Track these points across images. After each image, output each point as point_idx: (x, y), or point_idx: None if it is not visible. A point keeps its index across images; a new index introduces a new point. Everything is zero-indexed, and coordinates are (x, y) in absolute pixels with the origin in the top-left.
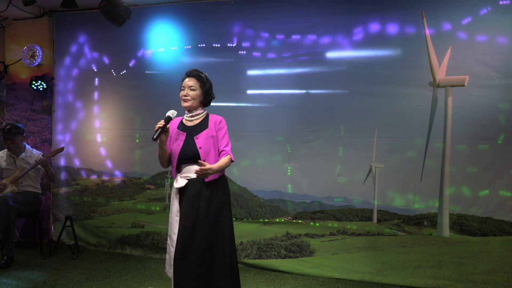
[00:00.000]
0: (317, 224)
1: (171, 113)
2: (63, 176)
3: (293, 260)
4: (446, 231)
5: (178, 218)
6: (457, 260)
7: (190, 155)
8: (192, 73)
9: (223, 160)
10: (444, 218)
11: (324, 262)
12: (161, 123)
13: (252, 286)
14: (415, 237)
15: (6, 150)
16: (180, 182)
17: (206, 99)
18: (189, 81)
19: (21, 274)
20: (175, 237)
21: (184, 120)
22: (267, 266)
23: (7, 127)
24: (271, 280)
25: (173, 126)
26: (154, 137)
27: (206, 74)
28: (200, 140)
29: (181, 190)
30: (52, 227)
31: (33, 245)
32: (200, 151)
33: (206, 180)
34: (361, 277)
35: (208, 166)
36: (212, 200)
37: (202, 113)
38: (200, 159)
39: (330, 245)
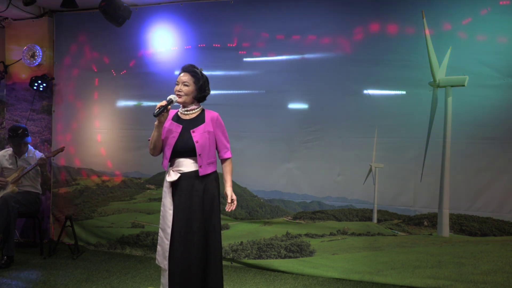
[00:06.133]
0: (317, 224)
1: (172, 96)
2: (63, 176)
3: (293, 260)
4: (446, 231)
5: (171, 212)
6: (457, 260)
7: (185, 148)
8: (187, 69)
9: (229, 169)
10: (444, 218)
11: (324, 262)
12: (164, 102)
13: (252, 286)
14: (415, 237)
15: (10, 149)
16: (172, 175)
17: (200, 94)
18: (184, 76)
19: (21, 274)
20: (169, 230)
21: (179, 113)
22: (267, 266)
23: (19, 131)
24: (271, 280)
25: (168, 117)
26: (155, 113)
27: (202, 69)
28: (197, 134)
29: (173, 184)
30: (52, 227)
31: (33, 245)
32: (196, 145)
33: (200, 174)
34: (361, 277)
35: (230, 196)
36: (205, 194)
37: (197, 108)
38: (196, 153)
39: (330, 245)
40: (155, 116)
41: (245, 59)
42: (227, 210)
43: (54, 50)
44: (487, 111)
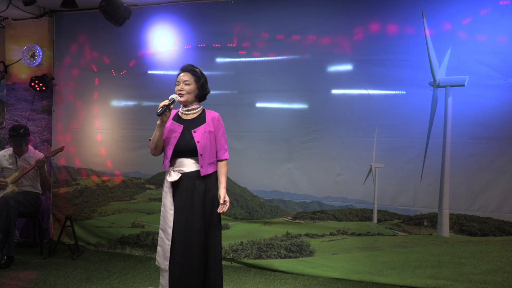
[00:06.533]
0: (317, 224)
1: (174, 96)
2: (63, 176)
3: (293, 260)
4: (446, 231)
5: (172, 212)
6: (457, 260)
7: (186, 148)
8: (187, 68)
9: (224, 170)
10: (444, 218)
11: (324, 262)
12: (166, 102)
13: (252, 286)
14: (415, 237)
15: (10, 149)
16: (173, 175)
17: (201, 93)
18: (184, 76)
19: (21, 274)
20: (170, 230)
21: (180, 113)
22: (267, 266)
23: (21, 130)
24: (271, 280)
25: (169, 116)
26: (159, 112)
27: (201, 68)
28: (198, 134)
29: (174, 184)
30: (52, 227)
31: (33, 245)
32: (198, 145)
33: (201, 174)
34: (361, 277)
35: (222, 197)
36: (206, 194)
37: (198, 107)
38: (198, 153)
39: (330, 245)
40: (158, 115)
41: (244, 59)
42: (218, 211)
43: (54, 50)
44: (487, 111)
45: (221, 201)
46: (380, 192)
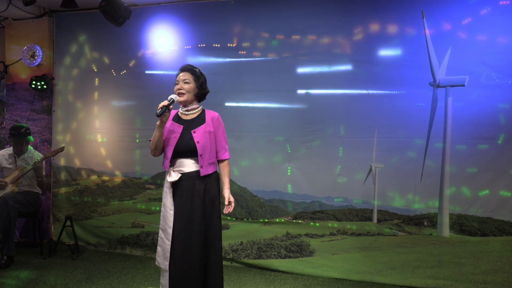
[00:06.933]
0: (317, 224)
1: (174, 96)
2: (63, 176)
3: (293, 260)
4: (446, 231)
5: (172, 212)
6: (457, 260)
7: (186, 149)
8: (186, 68)
9: (226, 170)
10: (444, 218)
11: (324, 262)
12: (166, 102)
13: (252, 286)
14: (415, 237)
15: (9, 148)
16: (173, 176)
17: (200, 92)
18: (183, 76)
19: (21, 274)
20: (170, 230)
21: (179, 113)
22: (267, 266)
23: (22, 130)
24: (271, 280)
25: (169, 117)
26: (158, 112)
27: (200, 68)
28: (198, 134)
29: (174, 184)
30: (52, 227)
31: (33, 245)
32: (197, 145)
33: (201, 174)
34: (361, 277)
35: (227, 198)
36: (206, 194)
37: (198, 107)
38: (198, 154)
39: (330, 245)
40: (158, 116)
41: (244, 59)
42: (225, 212)
43: (54, 50)
44: (487, 111)
45: (226, 202)
46: (380, 192)
